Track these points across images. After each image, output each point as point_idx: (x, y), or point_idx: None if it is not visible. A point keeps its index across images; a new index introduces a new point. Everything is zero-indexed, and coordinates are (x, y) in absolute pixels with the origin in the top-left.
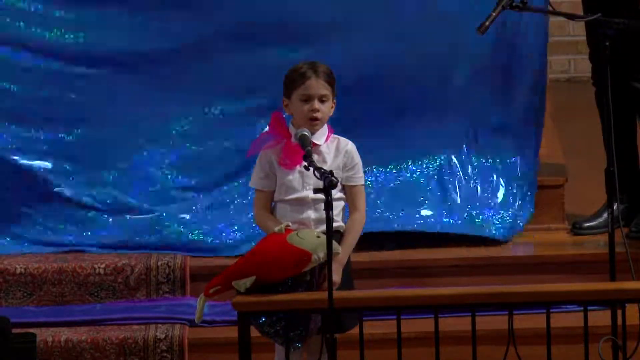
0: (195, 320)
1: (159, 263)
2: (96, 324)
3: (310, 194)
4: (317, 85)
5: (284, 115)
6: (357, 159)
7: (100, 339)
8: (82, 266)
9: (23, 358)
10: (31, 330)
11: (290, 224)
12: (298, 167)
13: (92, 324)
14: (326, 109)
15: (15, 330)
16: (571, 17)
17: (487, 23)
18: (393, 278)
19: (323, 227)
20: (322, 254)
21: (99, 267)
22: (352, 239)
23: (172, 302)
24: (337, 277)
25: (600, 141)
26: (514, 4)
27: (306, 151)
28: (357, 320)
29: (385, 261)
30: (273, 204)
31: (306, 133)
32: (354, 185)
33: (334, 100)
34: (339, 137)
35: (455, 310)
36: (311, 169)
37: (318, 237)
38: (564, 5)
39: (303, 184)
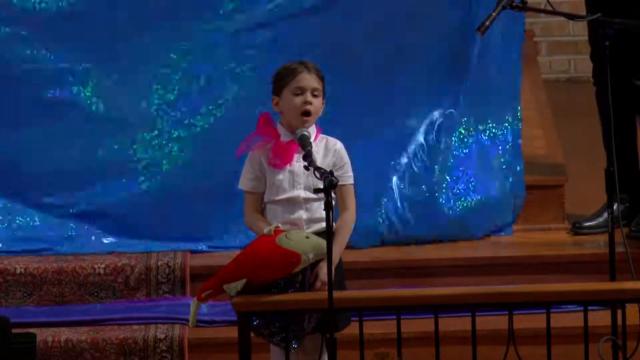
0: (189, 325)
1: (159, 263)
2: (96, 324)
3: (301, 193)
4: (310, 78)
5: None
6: (346, 158)
7: (100, 339)
8: (82, 266)
9: (23, 358)
10: (31, 330)
11: (280, 225)
12: (288, 167)
13: (92, 324)
14: (318, 104)
15: (15, 330)
16: (571, 17)
17: (487, 23)
18: (393, 278)
19: (314, 227)
20: (311, 255)
21: (99, 267)
22: (342, 239)
23: (172, 302)
24: (325, 277)
25: (600, 141)
26: (514, 4)
27: (306, 151)
28: (349, 319)
29: (385, 261)
30: (263, 206)
31: (306, 133)
32: (344, 185)
33: (323, 100)
34: (327, 136)
35: (455, 310)
36: (311, 168)
37: (307, 237)
38: (564, 5)
39: (293, 183)
